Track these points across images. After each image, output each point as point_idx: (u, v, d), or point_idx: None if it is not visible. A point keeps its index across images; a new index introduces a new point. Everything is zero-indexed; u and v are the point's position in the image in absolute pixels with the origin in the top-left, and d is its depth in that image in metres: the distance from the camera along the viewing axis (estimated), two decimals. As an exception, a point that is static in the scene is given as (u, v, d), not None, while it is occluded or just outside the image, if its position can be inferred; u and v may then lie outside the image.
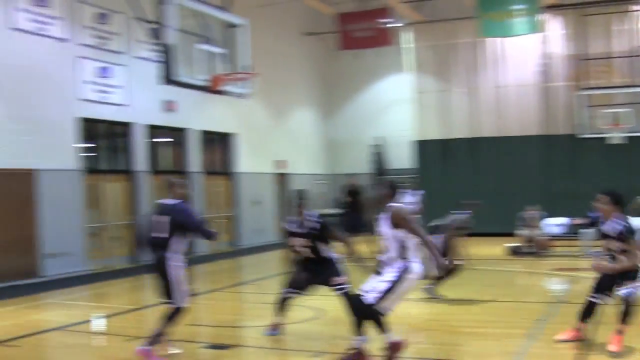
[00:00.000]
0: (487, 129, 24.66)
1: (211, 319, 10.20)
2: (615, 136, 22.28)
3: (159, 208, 7.96)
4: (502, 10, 21.77)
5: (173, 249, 7.71)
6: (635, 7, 23.39)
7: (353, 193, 19.54)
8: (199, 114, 20.62)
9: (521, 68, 24.27)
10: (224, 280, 16.63)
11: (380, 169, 26.42)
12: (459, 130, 25.01)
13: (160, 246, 7.74)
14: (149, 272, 7.97)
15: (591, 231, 17.95)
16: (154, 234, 7.76)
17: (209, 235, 8.04)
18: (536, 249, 18.55)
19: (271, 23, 23.61)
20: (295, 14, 25.64)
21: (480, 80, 24.80)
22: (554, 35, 24.00)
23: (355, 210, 19.25)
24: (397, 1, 22.84)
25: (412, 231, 7.05)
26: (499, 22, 22.07)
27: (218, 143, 22.25)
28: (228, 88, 14.85)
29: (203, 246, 19.61)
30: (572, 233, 19.41)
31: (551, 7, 23.22)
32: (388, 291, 6.99)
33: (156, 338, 7.73)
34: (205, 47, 14.41)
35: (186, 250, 7.93)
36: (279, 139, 25.02)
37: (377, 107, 27.19)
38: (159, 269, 7.73)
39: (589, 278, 8.56)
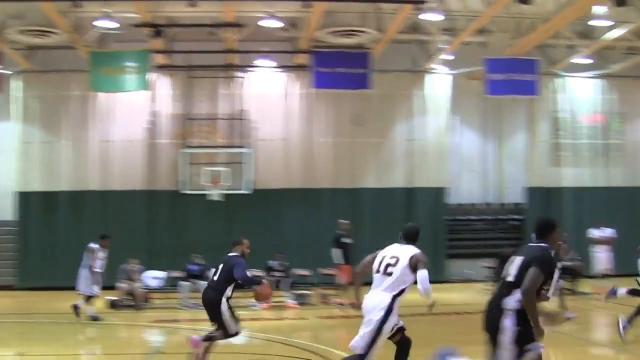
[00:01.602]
0: (93, 183, 25.72)
1: None
2: (215, 193, 24.60)
3: None
4: (113, 66, 23.20)
5: None
6: (238, 74, 26.08)
7: None
8: None
9: (129, 124, 25.86)
10: None
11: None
12: (65, 183, 25.69)
13: None
14: None
15: (188, 284, 19.99)
16: None
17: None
18: (136, 301, 19.64)
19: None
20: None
21: (88, 133, 25.85)
22: (162, 94, 26.10)
23: None
24: (7, 47, 23.10)
25: None
26: (110, 78, 23.35)
27: None
28: None
29: None
30: (170, 286, 21.17)
31: (161, 67, 25.36)
32: None
33: None
34: None
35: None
36: None
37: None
38: None
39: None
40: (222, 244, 24.56)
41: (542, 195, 27.58)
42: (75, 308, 17.18)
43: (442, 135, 27.12)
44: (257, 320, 17.31)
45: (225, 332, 10.69)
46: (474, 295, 22.01)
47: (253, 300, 18.64)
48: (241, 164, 25.28)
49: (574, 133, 27.99)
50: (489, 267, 23.46)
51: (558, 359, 8.81)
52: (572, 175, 27.91)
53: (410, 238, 8.81)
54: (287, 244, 23.91)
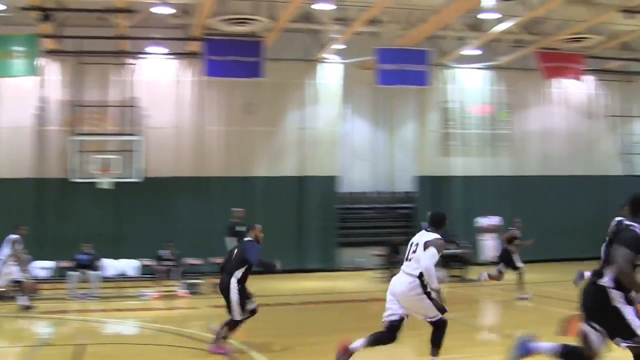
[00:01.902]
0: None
1: None
2: (105, 181, 24.42)
3: None
4: (0, 51, 22.38)
5: None
6: (129, 61, 25.80)
7: None
8: None
9: (17, 110, 25.17)
10: None
11: None
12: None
13: None
14: None
15: (77, 274, 19.75)
16: None
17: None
18: (23, 292, 19.25)
19: None
20: None
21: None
22: (51, 80, 25.51)
23: None
24: None
25: None
26: (-3, 62, 22.59)
27: None
28: None
29: None
30: (59, 276, 20.83)
31: (50, 52, 24.83)
32: None
33: None
34: None
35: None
36: None
37: None
38: None
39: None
40: (112, 233, 24.68)
41: (432, 184, 28.33)
42: (26, 307, 17.28)
43: (334, 124, 27.50)
44: (148, 310, 17.30)
45: (233, 318, 11.12)
46: (364, 283, 22.52)
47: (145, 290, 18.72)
48: (132, 151, 25.01)
49: (463, 123, 28.83)
50: (380, 255, 23.91)
51: (445, 345, 9.13)
52: (461, 165, 28.77)
53: (434, 224, 9.47)
54: (178, 233, 23.91)
